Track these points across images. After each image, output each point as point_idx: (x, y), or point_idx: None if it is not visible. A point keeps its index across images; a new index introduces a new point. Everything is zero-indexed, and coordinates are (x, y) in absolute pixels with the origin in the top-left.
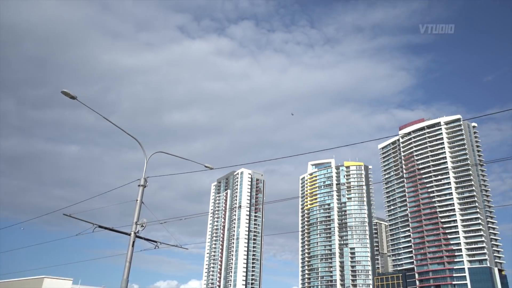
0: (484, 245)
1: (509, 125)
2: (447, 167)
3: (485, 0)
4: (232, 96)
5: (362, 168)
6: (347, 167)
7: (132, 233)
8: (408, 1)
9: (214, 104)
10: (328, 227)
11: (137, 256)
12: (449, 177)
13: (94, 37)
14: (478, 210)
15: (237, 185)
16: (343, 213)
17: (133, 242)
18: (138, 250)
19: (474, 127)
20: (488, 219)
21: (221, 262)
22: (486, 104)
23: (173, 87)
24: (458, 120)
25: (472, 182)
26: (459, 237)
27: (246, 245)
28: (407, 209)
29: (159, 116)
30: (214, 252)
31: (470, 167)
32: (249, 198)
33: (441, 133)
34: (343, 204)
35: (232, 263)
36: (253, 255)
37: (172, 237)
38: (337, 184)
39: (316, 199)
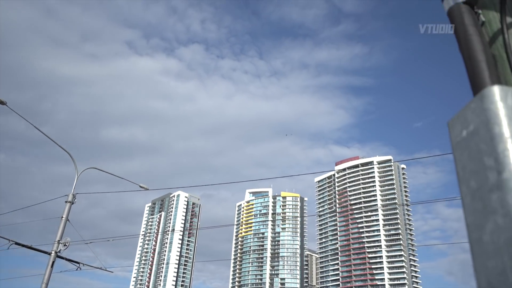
0: (405, 281)
1: (434, 170)
2: (377, 204)
3: (418, 54)
4: (175, 117)
5: (298, 199)
6: (284, 197)
7: (53, 252)
8: (351, 46)
9: (155, 123)
10: (261, 256)
11: (57, 277)
12: (378, 214)
13: (33, 41)
14: (402, 247)
15: (172, 207)
16: (276, 243)
17: (53, 262)
18: (58, 270)
19: (403, 168)
20: (410, 257)
21: (148, 287)
22: (415, 148)
23: (115, 102)
24: (389, 161)
25: (399, 221)
26: (383, 272)
27: (176, 270)
28: (337, 243)
29: (96, 130)
30: (142, 276)
31: (397, 206)
32: (183, 222)
33: (373, 171)
34: (277, 234)
35: None
36: (182, 281)
37: (97, 258)
38: (273, 214)
39: (251, 227)
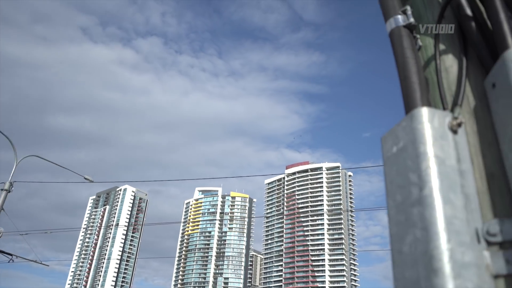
0: (345, 284)
1: (378, 179)
2: (323, 209)
3: (371, 67)
4: (127, 109)
5: (247, 200)
6: (233, 197)
7: None
8: (309, 53)
9: (106, 114)
10: (206, 255)
11: None
12: (323, 218)
13: None
14: (344, 252)
15: (117, 201)
16: (222, 242)
17: None
18: None
19: (350, 176)
20: (351, 261)
21: (86, 283)
22: (362, 157)
23: (64, 89)
24: (338, 167)
25: (342, 226)
26: (324, 275)
27: (117, 266)
28: (282, 245)
29: (42, 116)
30: (80, 271)
31: (342, 212)
32: (128, 216)
33: (322, 177)
34: (223, 234)
35: (98, 285)
36: (124, 277)
37: (32, 250)
38: (221, 213)
39: (198, 225)
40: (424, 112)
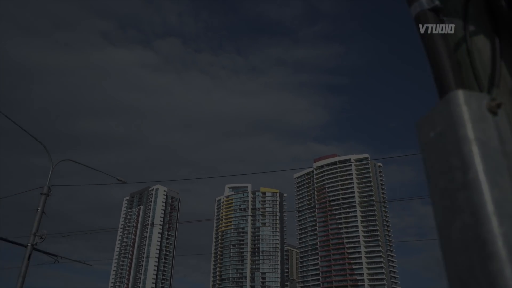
0: (384, 276)
1: (409, 168)
2: (355, 201)
3: (393, 56)
4: (153, 110)
5: (278, 195)
6: (263, 193)
7: (29, 245)
8: (328, 45)
9: (133, 116)
10: (241, 250)
11: (33, 271)
12: (356, 210)
13: (4, 28)
14: (380, 243)
15: (151, 201)
16: (256, 237)
17: (30, 255)
18: (34, 263)
19: (379, 166)
20: (388, 253)
21: (128, 281)
22: (391, 147)
23: (91, 93)
24: (366, 159)
25: (376, 217)
26: (362, 267)
27: (156, 264)
28: (317, 238)
29: (72, 121)
30: (122, 270)
31: (374, 203)
32: (163, 215)
33: (351, 169)
34: (257, 229)
35: (140, 282)
36: (163, 275)
37: (76, 251)
38: (252, 209)
39: (231, 222)
40: (460, 95)
